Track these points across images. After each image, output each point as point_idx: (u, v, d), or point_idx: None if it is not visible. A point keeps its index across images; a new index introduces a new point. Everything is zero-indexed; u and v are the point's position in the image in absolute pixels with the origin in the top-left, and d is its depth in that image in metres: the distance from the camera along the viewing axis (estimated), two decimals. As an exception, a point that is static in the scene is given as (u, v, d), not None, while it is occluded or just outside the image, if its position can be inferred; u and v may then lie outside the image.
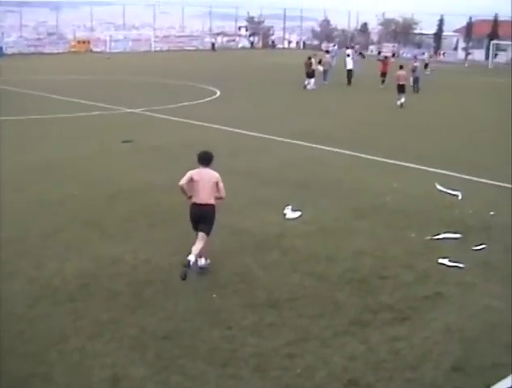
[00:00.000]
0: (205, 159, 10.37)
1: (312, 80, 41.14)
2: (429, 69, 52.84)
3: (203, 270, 10.29)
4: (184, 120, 25.17)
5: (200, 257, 10.27)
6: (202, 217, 10.28)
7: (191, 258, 9.76)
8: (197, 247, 10.03)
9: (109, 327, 8.26)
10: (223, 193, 10.26)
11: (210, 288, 9.59)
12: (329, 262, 10.73)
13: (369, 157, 19.04)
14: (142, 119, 26.28)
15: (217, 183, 10.24)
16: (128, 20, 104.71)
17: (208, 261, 10.42)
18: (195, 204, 10.30)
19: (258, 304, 9.05)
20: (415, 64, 41.66)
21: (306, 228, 12.46)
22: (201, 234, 10.19)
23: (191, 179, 10.22)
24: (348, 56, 46.84)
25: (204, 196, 10.21)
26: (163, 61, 62.57)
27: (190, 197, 10.31)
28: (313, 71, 41.48)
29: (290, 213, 13.14)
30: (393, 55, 51.85)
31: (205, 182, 10.21)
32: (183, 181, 10.21)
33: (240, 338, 8.05)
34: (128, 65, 55.14)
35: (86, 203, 14.01)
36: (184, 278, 9.51)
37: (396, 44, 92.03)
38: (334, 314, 8.79)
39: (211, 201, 10.27)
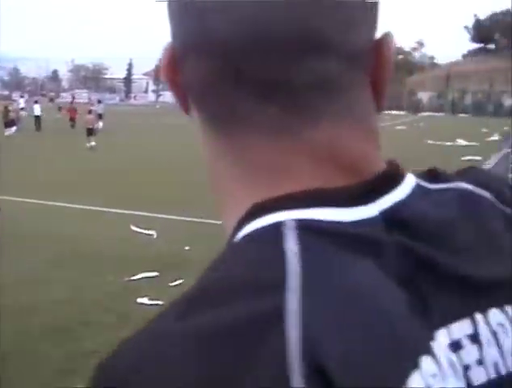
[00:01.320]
0: None
1: (14, 128, 42.62)
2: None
3: None
4: None
5: None
6: None
7: None
8: None
9: None
10: None
11: None
12: (30, 314, 10.58)
13: (66, 204, 19.02)
14: None
15: None
16: None
17: None
18: None
19: (-45, 368, 8.76)
20: (93, 108, 45.54)
21: (1, 281, 12.17)
22: None
23: None
24: (36, 102, 50.37)
25: None
26: None
27: None
28: (12, 120, 43.35)
29: (-16, 270, 12.77)
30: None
31: None
32: None
33: None
34: None
35: None
36: None
37: (88, 91, 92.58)
38: (39, 366, 8.75)
39: None
